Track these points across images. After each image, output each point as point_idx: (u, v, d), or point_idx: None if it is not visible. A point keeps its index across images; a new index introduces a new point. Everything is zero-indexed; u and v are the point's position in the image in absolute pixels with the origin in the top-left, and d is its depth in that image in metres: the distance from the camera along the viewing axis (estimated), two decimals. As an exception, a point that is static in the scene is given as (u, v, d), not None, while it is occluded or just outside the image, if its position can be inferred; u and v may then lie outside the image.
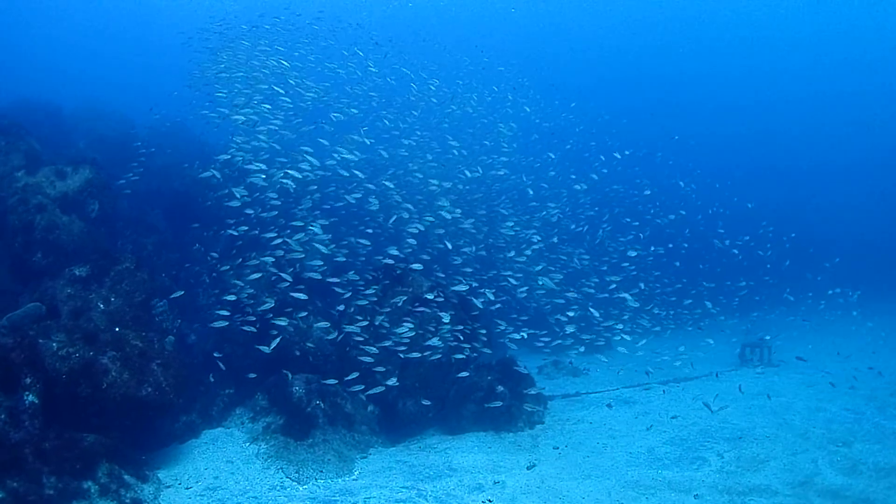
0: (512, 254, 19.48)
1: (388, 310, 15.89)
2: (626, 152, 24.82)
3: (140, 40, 63.83)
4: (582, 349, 20.35)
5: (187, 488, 12.07)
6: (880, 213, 45.61)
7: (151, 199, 22.24)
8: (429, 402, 15.07)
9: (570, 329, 17.88)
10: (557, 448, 14.71)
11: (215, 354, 15.25)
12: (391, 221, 18.69)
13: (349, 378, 14.39)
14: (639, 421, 16.41)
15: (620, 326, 19.49)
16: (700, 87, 72.50)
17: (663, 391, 19.01)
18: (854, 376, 19.53)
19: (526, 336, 16.83)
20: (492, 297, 16.92)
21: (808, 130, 68.28)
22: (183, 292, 16.04)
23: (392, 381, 14.35)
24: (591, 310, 18.14)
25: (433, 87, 23.61)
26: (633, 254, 21.28)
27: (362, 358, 14.43)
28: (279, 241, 16.09)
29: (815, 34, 65.74)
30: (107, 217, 18.08)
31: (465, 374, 15.71)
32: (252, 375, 14.80)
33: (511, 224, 20.03)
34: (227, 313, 14.86)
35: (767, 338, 22.23)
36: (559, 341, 18.81)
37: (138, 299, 13.95)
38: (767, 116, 70.27)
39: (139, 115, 29.06)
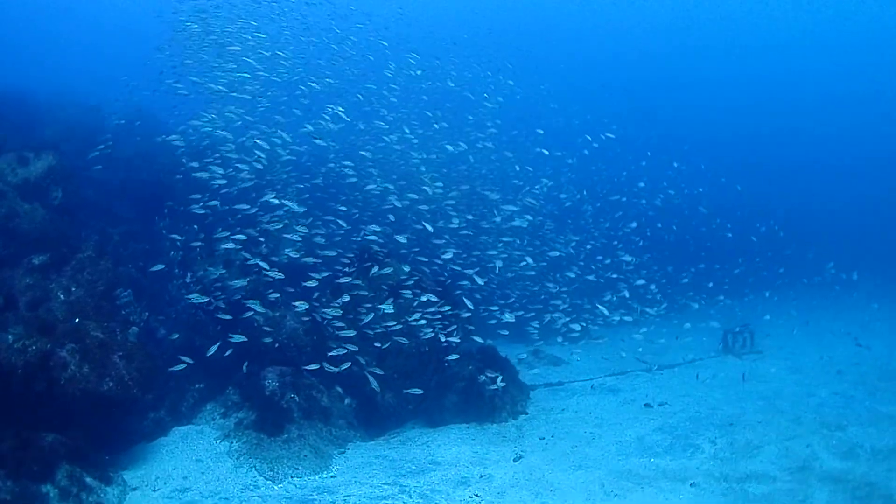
0: (498, 219, 18.49)
1: (368, 294, 14.99)
2: (614, 127, 23.96)
3: (116, 29, 61.91)
4: (575, 330, 19.69)
5: (154, 490, 11.14)
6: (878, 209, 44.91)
7: (120, 189, 21.14)
8: (420, 391, 14.18)
9: (557, 315, 17.21)
10: (543, 438, 13.94)
11: (173, 336, 14.17)
12: (366, 188, 17.65)
13: (332, 354, 13.40)
14: (625, 409, 15.69)
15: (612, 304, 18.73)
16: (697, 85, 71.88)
17: (650, 369, 18.43)
18: (856, 363, 18.93)
19: (514, 319, 16.04)
20: (480, 281, 16.10)
21: (797, 130, 67.75)
22: (163, 266, 15.13)
23: (373, 375, 13.41)
24: (600, 306, 17.32)
25: (413, 62, 22.60)
26: (634, 224, 20.46)
27: (346, 346, 13.47)
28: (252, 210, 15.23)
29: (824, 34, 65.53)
30: (71, 205, 17.02)
31: (454, 356, 14.85)
32: (228, 352, 13.50)
33: (497, 198, 19.15)
34: (198, 296, 13.85)
35: (767, 317, 21.48)
36: (548, 318, 18.02)
37: (100, 289, 12.96)
38: (755, 116, 69.61)
39: (109, 103, 27.63)
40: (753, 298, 27.30)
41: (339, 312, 13.92)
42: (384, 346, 14.40)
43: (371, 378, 13.23)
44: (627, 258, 18.58)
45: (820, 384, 17.22)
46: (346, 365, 13.38)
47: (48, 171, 16.68)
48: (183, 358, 13.11)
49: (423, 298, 14.85)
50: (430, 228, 16.27)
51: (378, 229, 15.87)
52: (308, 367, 13.63)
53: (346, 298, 14.48)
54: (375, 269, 14.94)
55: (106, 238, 17.45)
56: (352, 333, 13.66)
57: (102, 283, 13.08)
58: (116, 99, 23.00)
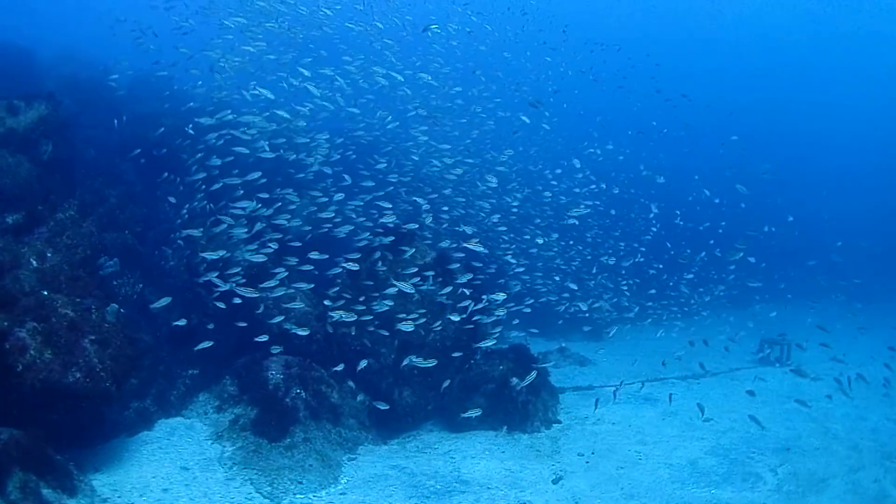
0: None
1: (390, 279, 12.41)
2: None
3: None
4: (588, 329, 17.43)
5: (127, 504, 8.59)
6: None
7: (124, 149, 18.42)
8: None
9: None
10: (583, 455, 11.45)
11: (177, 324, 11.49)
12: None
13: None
14: (667, 423, 13.23)
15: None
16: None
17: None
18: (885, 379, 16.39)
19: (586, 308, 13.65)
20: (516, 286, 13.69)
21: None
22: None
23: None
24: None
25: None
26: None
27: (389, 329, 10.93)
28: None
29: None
30: (63, 161, 14.37)
31: (489, 343, 12.38)
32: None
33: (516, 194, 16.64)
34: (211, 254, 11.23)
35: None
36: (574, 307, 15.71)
37: (80, 256, 10.26)
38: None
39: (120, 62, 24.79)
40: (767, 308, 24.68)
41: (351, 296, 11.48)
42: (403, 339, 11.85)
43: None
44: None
45: (868, 406, 14.97)
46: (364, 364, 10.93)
47: (38, 121, 14.04)
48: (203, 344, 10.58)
49: (452, 286, 12.34)
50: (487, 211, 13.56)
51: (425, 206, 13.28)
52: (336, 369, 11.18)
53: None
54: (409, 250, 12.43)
55: (100, 199, 14.80)
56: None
57: (83, 249, 10.41)
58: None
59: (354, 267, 11.57)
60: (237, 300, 10.84)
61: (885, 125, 59.85)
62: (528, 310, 14.27)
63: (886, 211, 38.32)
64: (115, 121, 16.22)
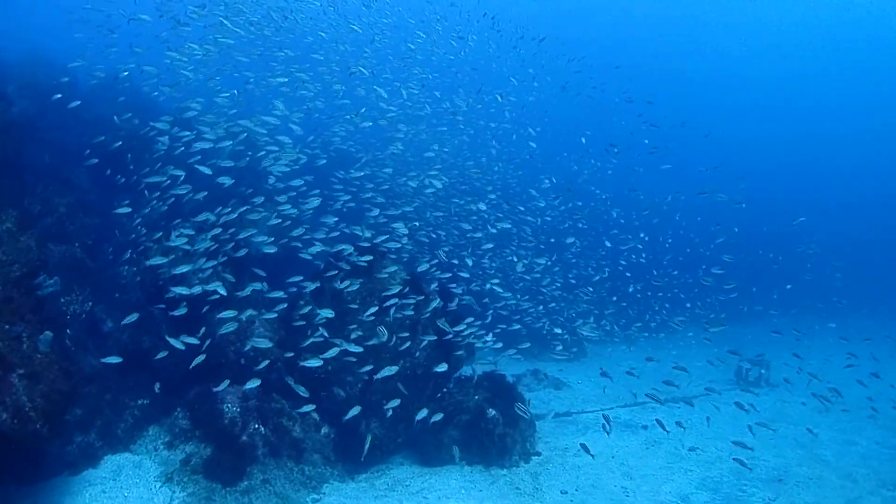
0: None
1: (356, 303, 11.33)
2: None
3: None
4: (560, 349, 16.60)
5: (59, 564, 7.44)
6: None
7: (80, 154, 17.13)
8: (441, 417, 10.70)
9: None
10: (566, 493, 10.48)
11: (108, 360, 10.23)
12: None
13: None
14: (652, 453, 12.34)
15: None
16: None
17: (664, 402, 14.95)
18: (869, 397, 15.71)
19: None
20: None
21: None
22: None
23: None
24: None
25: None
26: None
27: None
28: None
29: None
30: (8, 165, 13.14)
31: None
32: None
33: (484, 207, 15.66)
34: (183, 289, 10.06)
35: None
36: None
37: (15, 274, 9.04)
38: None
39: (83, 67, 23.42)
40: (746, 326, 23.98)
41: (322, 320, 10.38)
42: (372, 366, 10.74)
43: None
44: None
45: (855, 430, 14.26)
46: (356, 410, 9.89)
47: (-17, 121, 12.84)
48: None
49: (428, 309, 11.33)
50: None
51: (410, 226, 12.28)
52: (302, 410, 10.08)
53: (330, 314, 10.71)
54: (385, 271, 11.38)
55: (48, 209, 13.58)
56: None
57: (20, 267, 9.17)
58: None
59: (329, 314, 10.45)
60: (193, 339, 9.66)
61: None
62: (528, 344, 13.36)
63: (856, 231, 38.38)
64: (60, 95, 14.95)
